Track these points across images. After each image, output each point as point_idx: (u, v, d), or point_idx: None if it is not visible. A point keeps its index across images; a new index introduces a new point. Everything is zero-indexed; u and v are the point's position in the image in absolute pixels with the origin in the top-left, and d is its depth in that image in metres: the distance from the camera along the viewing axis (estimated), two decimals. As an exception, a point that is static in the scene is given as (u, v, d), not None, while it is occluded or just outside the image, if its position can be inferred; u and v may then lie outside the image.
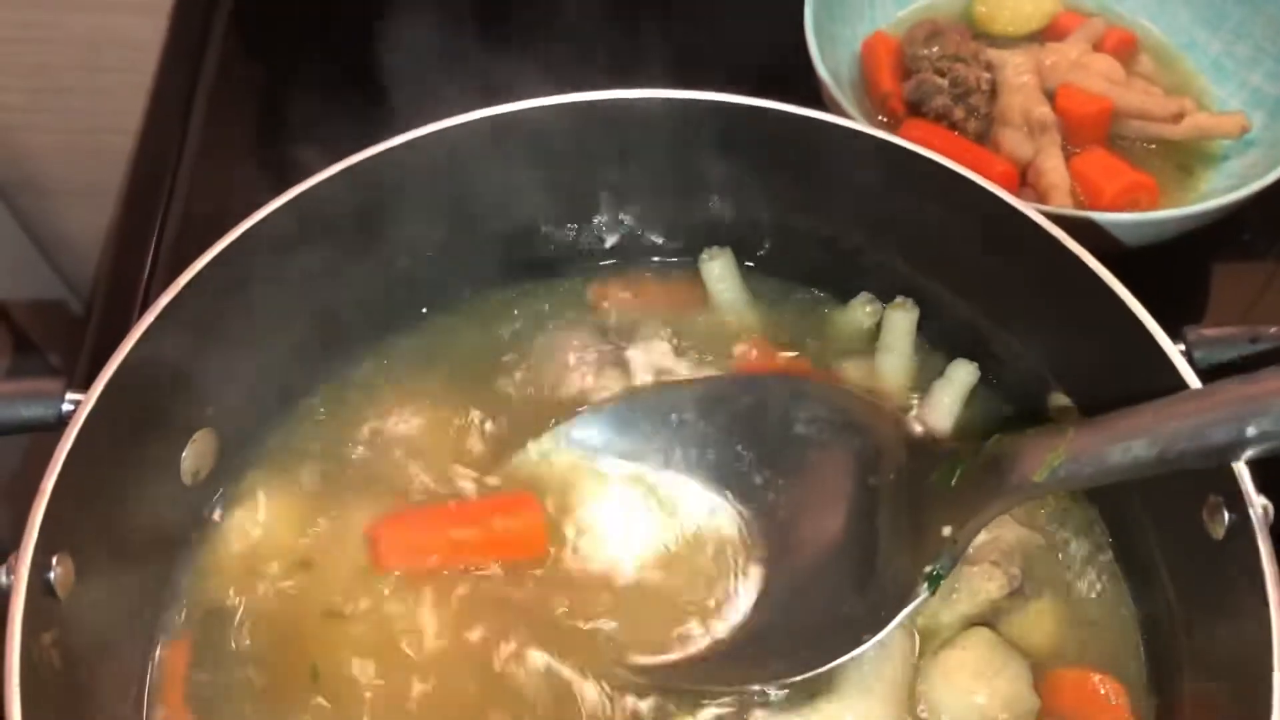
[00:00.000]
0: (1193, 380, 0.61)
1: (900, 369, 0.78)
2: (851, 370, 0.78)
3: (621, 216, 0.80)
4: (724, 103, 0.71)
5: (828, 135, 0.71)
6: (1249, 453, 0.55)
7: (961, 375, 0.76)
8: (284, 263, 0.70)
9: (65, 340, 1.57)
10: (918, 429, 0.71)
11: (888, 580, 0.66)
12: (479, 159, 0.74)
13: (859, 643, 0.64)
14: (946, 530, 0.64)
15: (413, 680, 0.68)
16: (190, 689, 0.67)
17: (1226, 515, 0.59)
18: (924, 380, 0.78)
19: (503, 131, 0.73)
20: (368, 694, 0.67)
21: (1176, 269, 0.99)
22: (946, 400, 0.75)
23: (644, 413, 0.74)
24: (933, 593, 0.64)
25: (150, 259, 0.99)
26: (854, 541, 0.69)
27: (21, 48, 1.46)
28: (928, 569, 0.64)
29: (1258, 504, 0.57)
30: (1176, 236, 0.94)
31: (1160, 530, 0.66)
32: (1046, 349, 0.72)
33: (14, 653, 0.53)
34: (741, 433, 0.73)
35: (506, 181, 0.77)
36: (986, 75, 1.03)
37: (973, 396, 0.77)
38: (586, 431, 0.73)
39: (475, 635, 0.69)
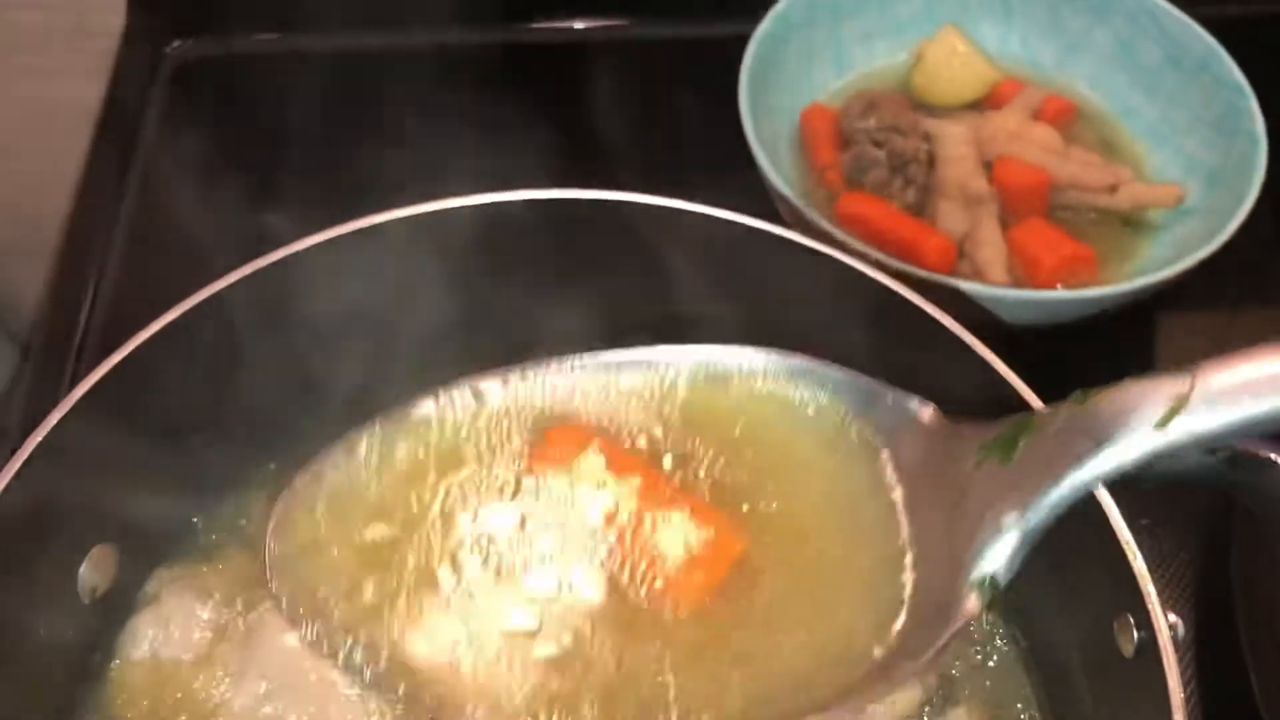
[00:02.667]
0: (1105, 499, 0.60)
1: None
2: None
3: (552, 316, 0.79)
4: (636, 203, 0.70)
5: (743, 236, 0.70)
6: None
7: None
8: (188, 371, 0.69)
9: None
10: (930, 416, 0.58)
11: (918, 600, 0.53)
12: (408, 255, 0.74)
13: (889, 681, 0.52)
14: (1009, 518, 0.51)
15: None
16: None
17: (1136, 634, 0.58)
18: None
19: (430, 227, 0.73)
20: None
21: (1119, 334, 0.98)
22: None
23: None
24: (988, 605, 0.51)
25: (75, 355, 0.98)
26: (857, 560, 0.55)
27: (-36, 114, 1.46)
28: (977, 575, 0.51)
29: (1164, 624, 0.56)
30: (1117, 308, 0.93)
31: (1077, 643, 0.65)
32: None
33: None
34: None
35: (437, 275, 0.76)
36: (924, 146, 1.03)
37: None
38: None
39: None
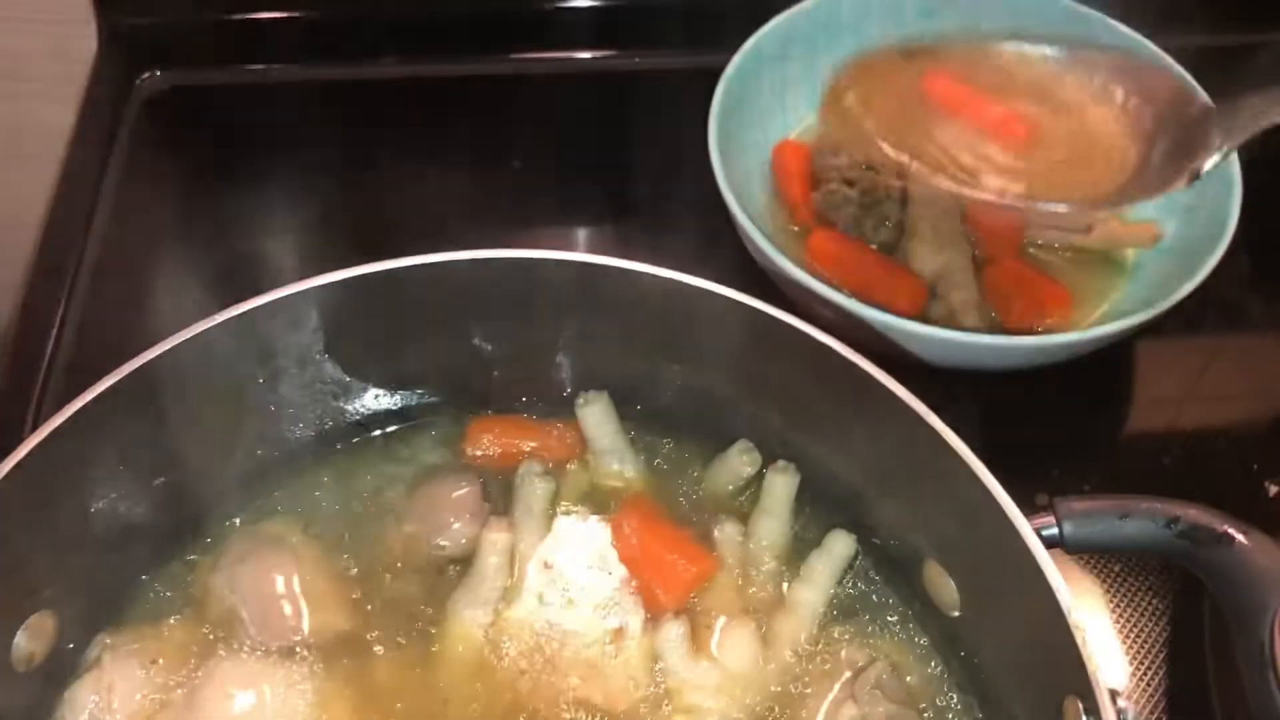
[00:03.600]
0: (1048, 566, 0.59)
1: (777, 534, 0.75)
2: (730, 531, 0.75)
3: (492, 363, 0.78)
4: (577, 262, 0.69)
5: (686, 295, 0.68)
6: None
7: (839, 547, 0.74)
8: (130, 430, 0.68)
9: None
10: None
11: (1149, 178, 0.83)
12: (355, 312, 0.72)
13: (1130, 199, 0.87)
14: (1218, 139, 0.81)
15: None
16: None
17: (1084, 718, 0.56)
18: (800, 548, 0.75)
19: (380, 285, 0.71)
20: None
21: (1095, 371, 0.97)
22: (823, 573, 0.73)
23: None
24: (1188, 185, 0.82)
25: (40, 388, 0.97)
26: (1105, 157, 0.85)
27: (-61, 138, 1.45)
28: (1191, 168, 0.81)
29: (1111, 710, 0.55)
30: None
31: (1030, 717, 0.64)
32: (919, 518, 0.70)
33: None
34: None
35: (379, 333, 0.75)
36: (897, 183, 1.01)
37: (849, 566, 0.75)
38: None
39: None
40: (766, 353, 0.70)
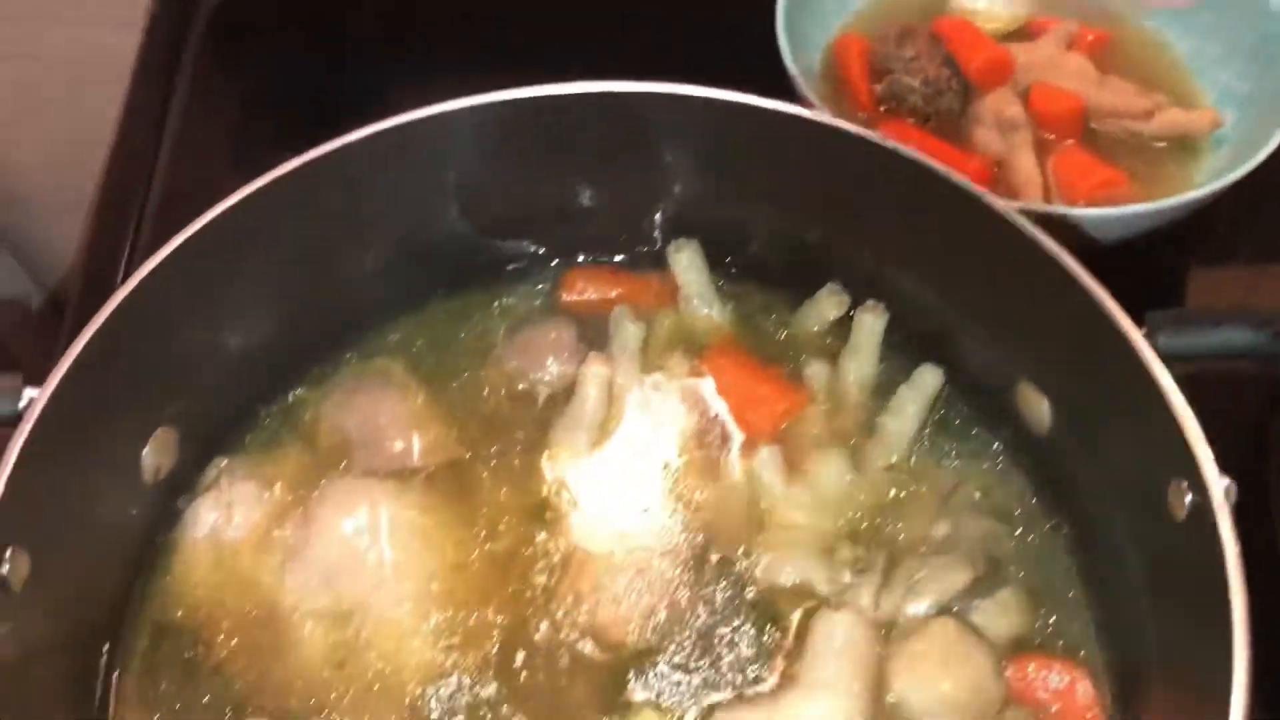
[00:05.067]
0: (1158, 368, 0.60)
1: (866, 371, 0.77)
2: (818, 369, 0.78)
3: (589, 211, 0.80)
4: (682, 95, 0.71)
5: (794, 128, 0.70)
6: None
7: (927, 380, 0.76)
8: (248, 258, 0.70)
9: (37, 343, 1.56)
10: None
11: None
12: (446, 154, 0.74)
13: None
14: None
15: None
16: (150, 692, 0.67)
17: (1188, 497, 0.58)
18: (889, 384, 0.77)
19: (466, 125, 0.72)
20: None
21: (1151, 265, 0.98)
22: (912, 405, 0.75)
23: None
24: None
25: (124, 262, 0.99)
26: None
27: (1, 64, 1.47)
28: None
29: (1218, 485, 0.57)
30: (1150, 231, 0.94)
31: (1125, 516, 0.65)
32: (1014, 340, 0.71)
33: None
34: None
35: (473, 176, 0.77)
36: (959, 75, 1.03)
37: (937, 398, 0.77)
38: None
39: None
40: (859, 182, 0.71)
